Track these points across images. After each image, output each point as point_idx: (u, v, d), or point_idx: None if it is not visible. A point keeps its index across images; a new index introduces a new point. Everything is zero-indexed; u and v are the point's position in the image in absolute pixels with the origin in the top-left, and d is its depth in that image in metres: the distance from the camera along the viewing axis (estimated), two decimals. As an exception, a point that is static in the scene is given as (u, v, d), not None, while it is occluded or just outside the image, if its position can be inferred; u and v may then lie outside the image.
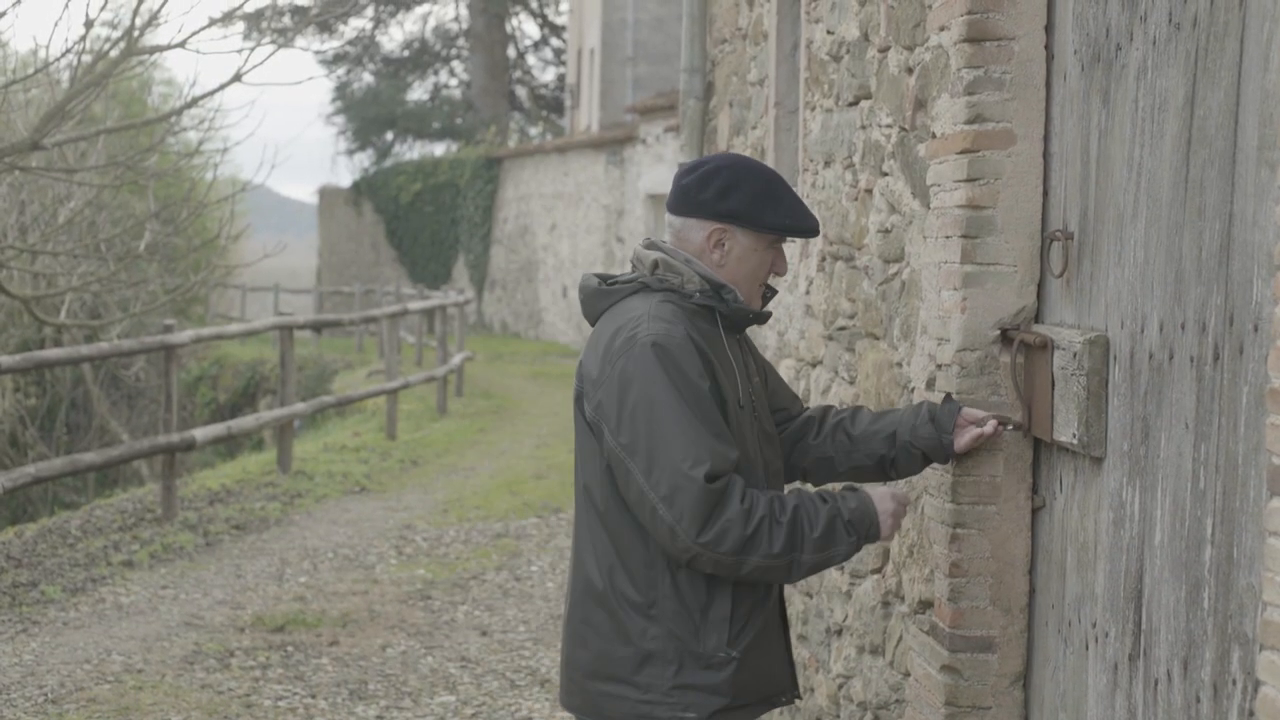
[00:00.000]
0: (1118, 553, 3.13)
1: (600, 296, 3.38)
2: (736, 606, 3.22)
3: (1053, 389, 3.37)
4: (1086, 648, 3.29)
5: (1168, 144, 2.94)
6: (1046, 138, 3.58)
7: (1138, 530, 3.03)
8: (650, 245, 3.40)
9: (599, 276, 3.44)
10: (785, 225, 3.34)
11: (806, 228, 3.37)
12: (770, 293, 3.47)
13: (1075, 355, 3.24)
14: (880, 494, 3.30)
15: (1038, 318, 3.61)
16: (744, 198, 3.30)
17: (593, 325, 3.43)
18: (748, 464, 3.25)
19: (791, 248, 5.54)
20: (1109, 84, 3.23)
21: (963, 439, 3.50)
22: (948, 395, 3.62)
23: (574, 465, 3.42)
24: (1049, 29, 3.57)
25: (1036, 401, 3.49)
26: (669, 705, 3.19)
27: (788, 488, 3.46)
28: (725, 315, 3.32)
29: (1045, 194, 3.59)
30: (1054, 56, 3.54)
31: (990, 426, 3.50)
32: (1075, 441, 3.26)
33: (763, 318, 3.44)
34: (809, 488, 3.55)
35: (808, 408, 3.67)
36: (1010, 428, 3.56)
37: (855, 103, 4.86)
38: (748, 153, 6.67)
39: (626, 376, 3.16)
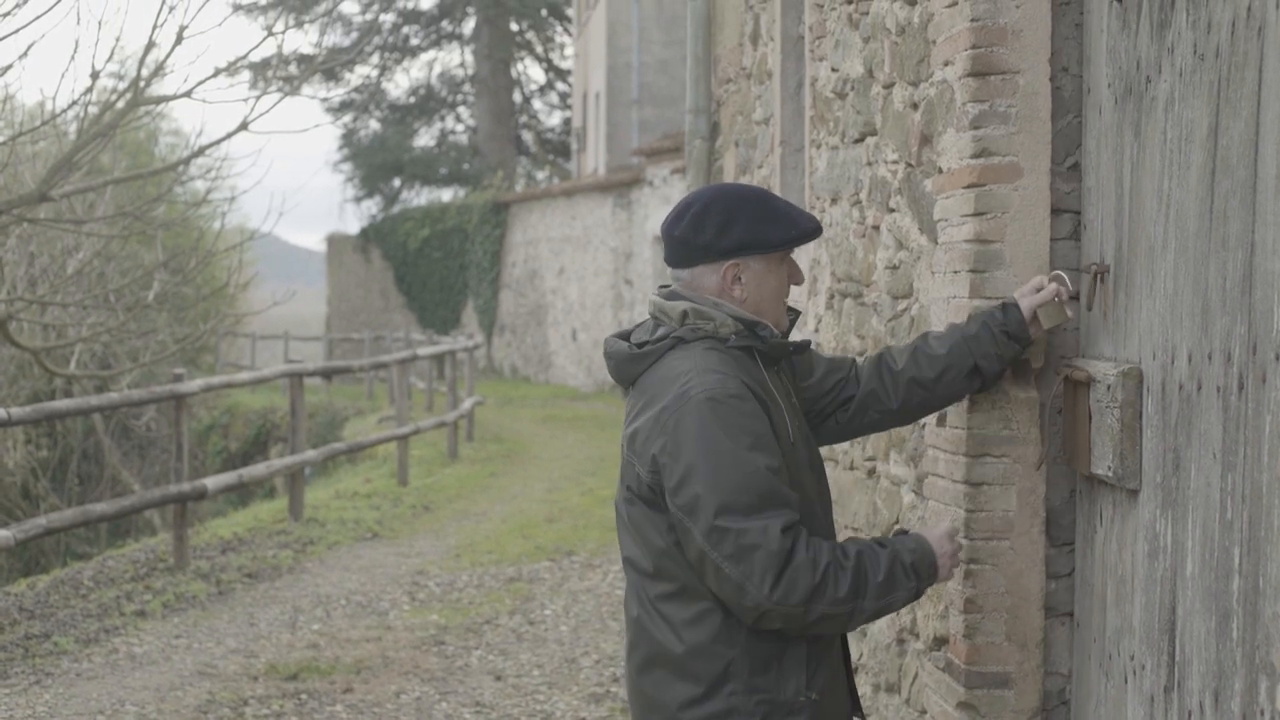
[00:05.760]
0: (1152, 585, 3.12)
1: (635, 361, 3.27)
2: (811, 647, 3.15)
3: (1090, 422, 3.35)
4: (1125, 680, 3.27)
5: (1194, 175, 2.94)
6: (1081, 171, 3.57)
7: (1171, 562, 3.02)
8: (671, 295, 3.31)
9: (624, 339, 3.33)
10: (791, 237, 3.28)
11: (810, 230, 3.31)
12: (793, 314, 3.41)
13: (1109, 388, 3.23)
14: (937, 535, 3.24)
15: (1077, 351, 3.59)
16: (744, 226, 3.24)
17: (626, 388, 3.32)
18: (806, 502, 3.19)
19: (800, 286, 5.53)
20: (1140, 116, 3.23)
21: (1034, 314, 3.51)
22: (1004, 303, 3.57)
23: (620, 531, 3.31)
24: (1083, 63, 3.57)
25: (1076, 435, 3.47)
26: None
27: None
28: (763, 352, 3.26)
29: (1082, 227, 3.58)
30: (1090, 90, 3.54)
31: (1050, 291, 3.48)
32: (1111, 474, 3.25)
33: (802, 347, 3.39)
34: (861, 536, 3.48)
35: (855, 370, 3.65)
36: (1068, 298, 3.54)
37: (861, 139, 4.87)
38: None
39: (681, 436, 3.07)
